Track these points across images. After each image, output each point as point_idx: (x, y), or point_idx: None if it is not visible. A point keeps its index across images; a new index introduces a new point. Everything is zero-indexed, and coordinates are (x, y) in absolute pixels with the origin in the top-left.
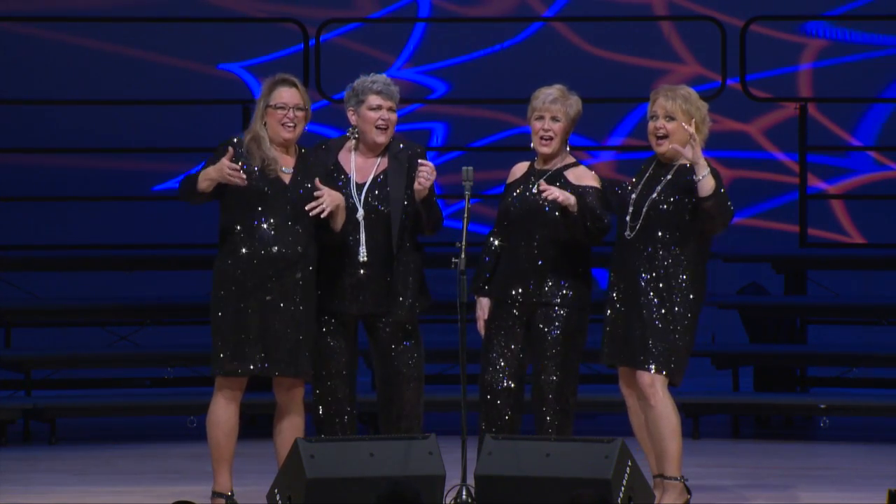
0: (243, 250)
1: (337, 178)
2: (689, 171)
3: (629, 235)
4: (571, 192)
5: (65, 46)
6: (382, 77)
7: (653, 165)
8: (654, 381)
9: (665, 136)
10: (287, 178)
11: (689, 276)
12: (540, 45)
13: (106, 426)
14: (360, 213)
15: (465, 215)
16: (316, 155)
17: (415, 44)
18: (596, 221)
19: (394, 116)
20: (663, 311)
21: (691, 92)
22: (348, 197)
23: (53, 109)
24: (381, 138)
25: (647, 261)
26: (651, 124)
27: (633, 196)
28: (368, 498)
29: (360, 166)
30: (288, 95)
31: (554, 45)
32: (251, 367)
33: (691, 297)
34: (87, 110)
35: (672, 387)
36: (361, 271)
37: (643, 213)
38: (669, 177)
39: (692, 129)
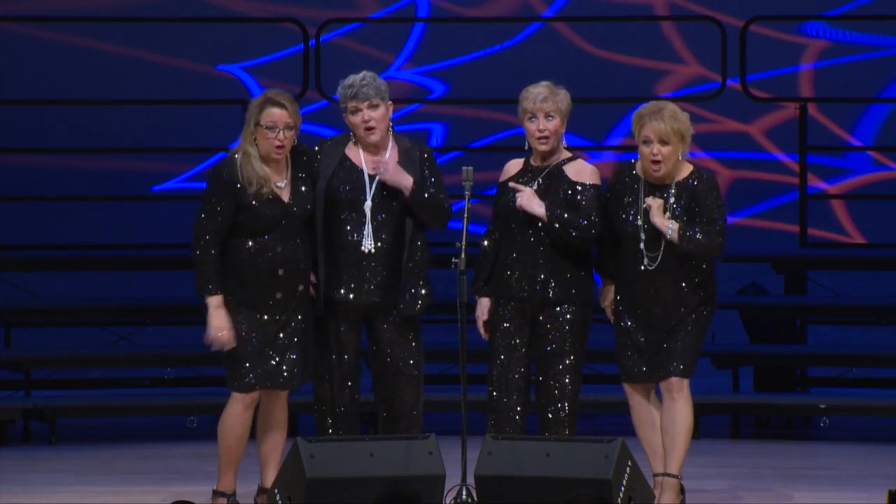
0: (249, 269)
1: (347, 170)
2: (685, 185)
3: (652, 266)
4: (566, 191)
5: (65, 46)
6: (357, 77)
7: (644, 189)
8: (682, 383)
9: (661, 161)
10: (284, 195)
11: (709, 285)
12: (540, 45)
13: (106, 426)
14: (368, 205)
15: (465, 215)
16: (313, 155)
17: (414, 44)
18: (566, 233)
19: (376, 113)
20: (692, 325)
21: (674, 108)
22: (360, 187)
23: (53, 109)
24: (372, 137)
25: (675, 285)
26: (646, 149)
27: (639, 223)
28: (368, 498)
29: (368, 159)
30: (278, 115)
31: (554, 45)
32: (259, 384)
33: (713, 303)
34: (87, 110)
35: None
36: (367, 262)
37: (663, 245)
38: (673, 200)
39: (661, 219)
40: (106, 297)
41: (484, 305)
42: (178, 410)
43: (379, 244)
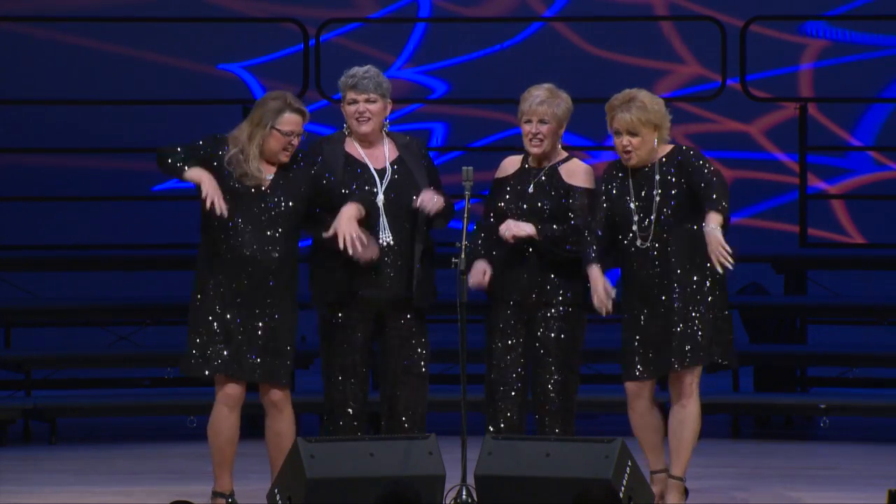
0: (220, 254)
1: (353, 167)
2: (668, 161)
3: (643, 245)
4: (560, 193)
5: (65, 46)
6: (361, 70)
7: (629, 173)
8: (692, 388)
9: (630, 151)
10: (264, 184)
11: (713, 266)
12: (540, 45)
13: (106, 426)
14: (381, 199)
15: (465, 215)
16: (308, 155)
17: (415, 44)
18: (558, 249)
19: (373, 107)
20: (700, 312)
21: (645, 97)
22: (370, 183)
23: (53, 109)
24: (364, 128)
25: (674, 264)
26: (616, 141)
27: (633, 206)
28: (368, 498)
29: (370, 154)
30: (296, 123)
31: (554, 45)
32: (211, 369)
33: (723, 283)
34: (87, 110)
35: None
36: (384, 257)
37: (653, 221)
38: (658, 177)
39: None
40: (106, 297)
41: (480, 268)
42: (178, 410)
43: (393, 237)
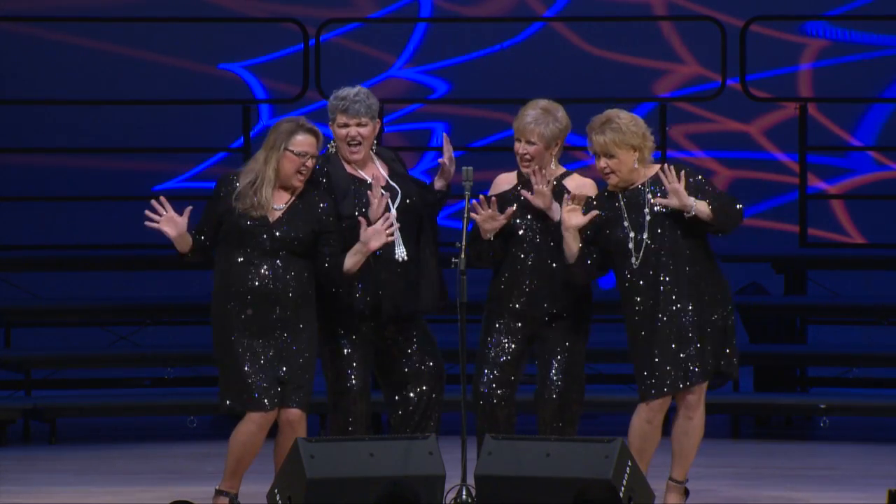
0: (227, 286)
1: (361, 187)
2: (660, 183)
3: (638, 264)
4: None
5: (65, 46)
6: (351, 92)
7: (620, 196)
8: (699, 401)
9: (612, 172)
10: (273, 216)
11: (715, 276)
12: (540, 45)
13: (106, 426)
14: (394, 214)
15: (465, 215)
16: (320, 189)
17: (415, 44)
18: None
19: (364, 130)
20: (707, 324)
21: (623, 118)
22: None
23: (53, 109)
24: (355, 157)
25: (674, 282)
26: (596, 162)
27: (626, 224)
28: (368, 498)
29: (369, 173)
30: (309, 144)
31: (554, 45)
32: (242, 406)
33: (728, 294)
34: (87, 110)
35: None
36: (402, 270)
37: (647, 239)
38: (649, 196)
39: (678, 186)
40: (106, 297)
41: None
42: (178, 410)
43: (408, 251)
